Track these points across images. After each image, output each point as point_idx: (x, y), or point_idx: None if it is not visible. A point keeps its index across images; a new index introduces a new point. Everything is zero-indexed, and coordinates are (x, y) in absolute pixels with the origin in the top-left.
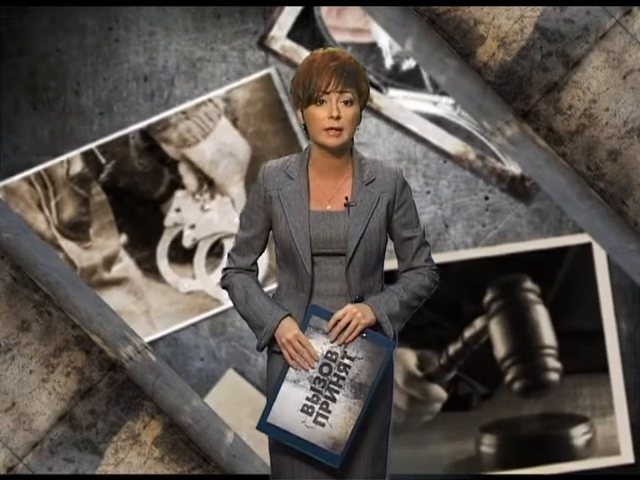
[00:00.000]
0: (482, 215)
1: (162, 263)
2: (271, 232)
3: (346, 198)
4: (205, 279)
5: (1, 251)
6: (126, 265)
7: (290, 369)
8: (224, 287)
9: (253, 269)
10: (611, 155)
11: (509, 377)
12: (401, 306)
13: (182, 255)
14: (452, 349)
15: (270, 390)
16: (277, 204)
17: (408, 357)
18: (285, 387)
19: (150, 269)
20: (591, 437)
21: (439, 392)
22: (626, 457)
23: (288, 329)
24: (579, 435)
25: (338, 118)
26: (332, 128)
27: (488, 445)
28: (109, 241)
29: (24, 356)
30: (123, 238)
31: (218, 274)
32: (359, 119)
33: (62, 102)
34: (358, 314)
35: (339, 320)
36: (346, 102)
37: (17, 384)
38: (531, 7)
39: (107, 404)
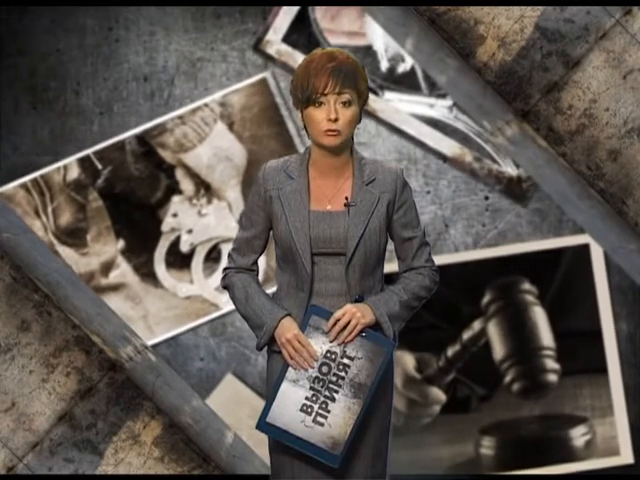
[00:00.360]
0: (482, 215)
1: (160, 268)
2: (271, 232)
3: (346, 198)
4: (203, 284)
5: (1, 251)
6: (123, 271)
7: (289, 369)
8: (224, 287)
9: (253, 269)
10: (611, 155)
11: (508, 379)
12: (401, 306)
13: (180, 260)
14: (451, 351)
15: (269, 390)
16: (277, 204)
17: (407, 360)
18: (284, 387)
19: (148, 274)
20: (591, 438)
21: (438, 394)
22: (626, 458)
23: (288, 329)
24: (578, 436)
25: (336, 120)
26: (330, 130)
27: (488, 447)
28: (106, 247)
29: (24, 356)
30: (120, 244)
31: (216, 279)
32: (359, 118)
33: (62, 102)
34: (357, 314)
35: (338, 320)
36: (344, 103)
37: (17, 384)
38: (531, 7)
39: (107, 404)
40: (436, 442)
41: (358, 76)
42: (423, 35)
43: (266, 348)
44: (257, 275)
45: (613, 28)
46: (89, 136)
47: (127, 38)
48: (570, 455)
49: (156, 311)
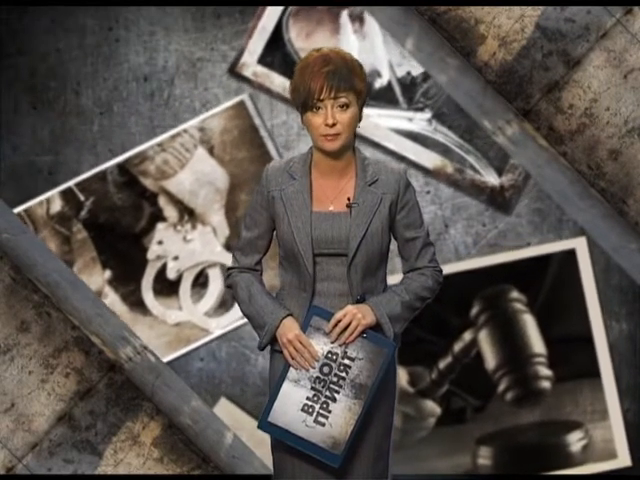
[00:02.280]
0: (482, 215)
1: (148, 296)
2: (274, 232)
3: (348, 199)
4: (192, 309)
5: (0, 252)
6: (112, 301)
7: (291, 369)
8: (228, 286)
9: (257, 268)
10: (612, 154)
11: (501, 388)
12: (402, 307)
13: (167, 287)
14: (442, 364)
15: (271, 389)
16: (279, 204)
17: (399, 374)
18: (286, 386)
19: (136, 303)
20: (587, 442)
21: (432, 408)
22: (623, 461)
23: (289, 329)
24: (575, 441)
25: (334, 125)
26: (328, 135)
27: (485, 457)
28: (93, 277)
29: (23, 357)
30: (107, 274)
31: (204, 304)
32: (359, 118)
33: (62, 102)
34: (358, 315)
35: (339, 321)
36: (342, 106)
37: (16, 385)
38: (532, 6)
39: (106, 405)
40: (433, 455)
41: (354, 76)
42: (424, 34)
43: (268, 347)
44: (261, 275)
45: (614, 27)
46: (89, 136)
47: (127, 38)
48: (568, 461)
49: (146, 339)
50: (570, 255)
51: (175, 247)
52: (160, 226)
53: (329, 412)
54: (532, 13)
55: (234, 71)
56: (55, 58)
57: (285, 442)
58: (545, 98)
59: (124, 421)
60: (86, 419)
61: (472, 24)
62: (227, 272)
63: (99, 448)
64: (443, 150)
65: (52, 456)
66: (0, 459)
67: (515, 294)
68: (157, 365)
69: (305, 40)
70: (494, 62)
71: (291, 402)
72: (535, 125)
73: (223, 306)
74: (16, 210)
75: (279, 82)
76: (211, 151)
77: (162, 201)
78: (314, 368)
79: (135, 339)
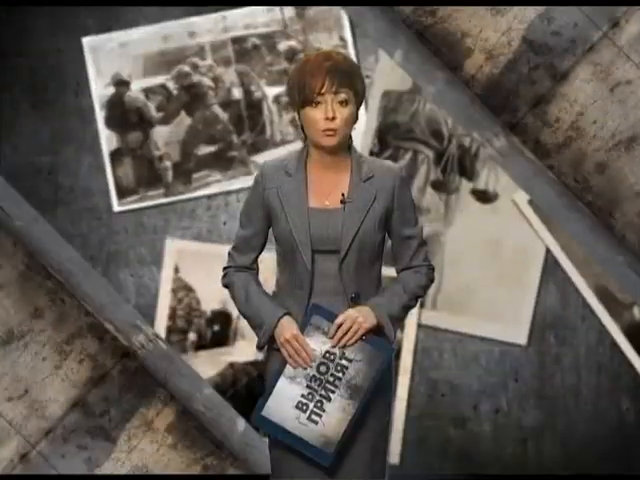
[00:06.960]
0: None
1: None
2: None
3: (342, 195)
4: None
5: (14, 239)
6: None
7: (287, 365)
8: (225, 285)
9: (253, 267)
10: (598, 168)
11: None
12: (401, 308)
13: None
14: None
15: (267, 385)
16: (276, 201)
17: None
18: (281, 383)
19: None
20: None
21: None
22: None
23: (287, 328)
24: None
25: (333, 119)
26: (328, 129)
27: None
28: None
29: (37, 343)
30: None
31: None
32: (355, 118)
33: (62, 102)
34: (359, 319)
35: (340, 325)
36: (341, 102)
37: (30, 371)
38: (518, 20)
39: (120, 391)
40: None
41: (355, 75)
42: (412, 47)
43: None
44: (257, 273)
45: (600, 41)
46: (89, 136)
47: None
48: None
49: None
50: None
51: None
52: None
53: (323, 411)
54: (519, 26)
55: None
56: (55, 58)
57: (277, 438)
58: (532, 112)
59: (138, 407)
60: (100, 405)
61: (458, 37)
62: (224, 271)
63: (113, 434)
64: None
65: (66, 442)
66: (14, 445)
67: None
68: (169, 353)
69: None
70: (481, 75)
71: (286, 398)
72: (522, 138)
73: None
74: None
75: None
76: None
77: None
78: (311, 367)
79: (147, 327)
